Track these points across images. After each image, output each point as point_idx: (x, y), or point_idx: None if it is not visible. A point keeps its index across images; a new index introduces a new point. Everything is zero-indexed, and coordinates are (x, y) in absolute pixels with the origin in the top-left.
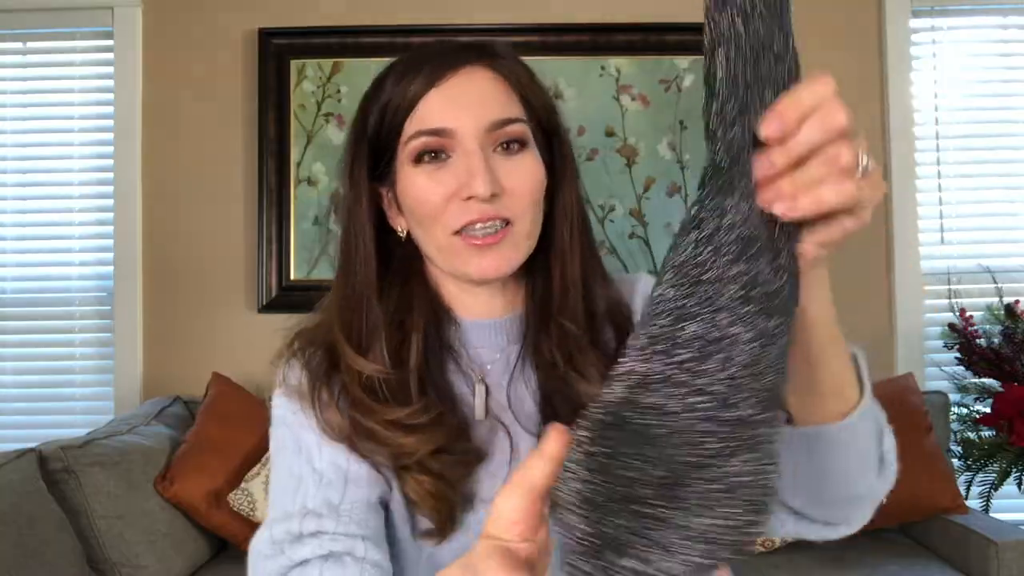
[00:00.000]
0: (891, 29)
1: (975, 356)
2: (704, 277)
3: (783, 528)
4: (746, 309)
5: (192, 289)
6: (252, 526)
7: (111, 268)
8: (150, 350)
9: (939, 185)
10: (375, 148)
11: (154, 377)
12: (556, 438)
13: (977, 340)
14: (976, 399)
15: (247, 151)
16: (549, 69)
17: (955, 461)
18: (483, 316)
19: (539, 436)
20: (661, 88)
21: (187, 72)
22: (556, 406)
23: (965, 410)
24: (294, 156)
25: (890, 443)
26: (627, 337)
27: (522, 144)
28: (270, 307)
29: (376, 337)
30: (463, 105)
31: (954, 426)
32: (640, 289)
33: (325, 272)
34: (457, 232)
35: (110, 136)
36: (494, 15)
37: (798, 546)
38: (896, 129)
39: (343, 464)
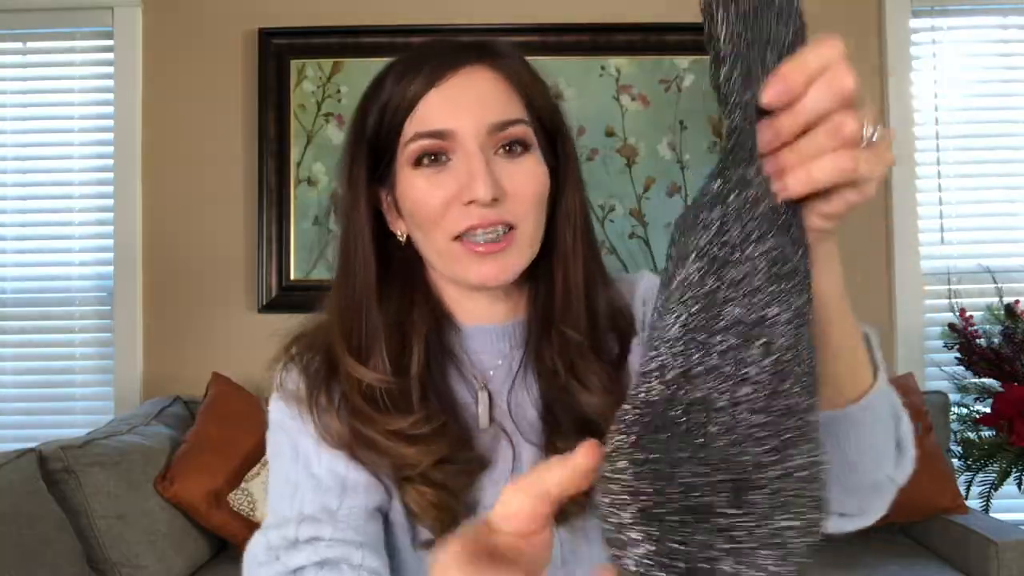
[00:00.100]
0: (891, 29)
1: (975, 356)
2: (733, 257)
3: None
4: (779, 287)
5: (192, 289)
6: (252, 526)
7: (111, 268)
8: (150, 350)
9: (939, 185)
10: (374, 149)
11: (154, 377)
12: (587, 452)
13: (977, 340)
14: (976, 399)
15: (247, 151)
16: (549, 69)
17: (955, 461)
18: (485, 321)
19: (540, 445)
20: (661, 88)
21: (187, 72)
22: (557, 415)
23: (965, 410)
24: (294, 156)
25: (907, 427)
26: (628, 341)
27: (524, 146)
28: (270, 307)
29: (376, 344)
30: (463, 106)
31: (954, 426)
32: (641, 289)
33: (325, 272)
34: (457, 237)
35: (110, 136)
36: (494, 15)
37: None
38: (896, 129)
39: (341, 471)
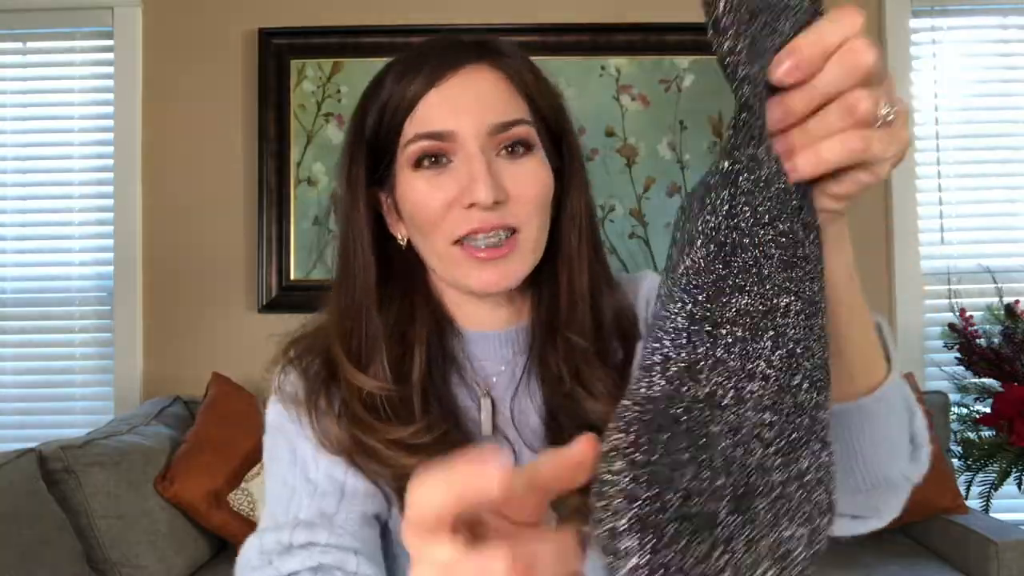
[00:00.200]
0: (891, 29)
1: (975, 356)
2: (744, 242)
3: None
4: (791, 274)
5: (192, 289)
6: (252, 526)
7: (111, 268)
8: (150, 350)
9: (939, 185)
10: (374, 149)
11: (154, 377)
12: (584, 447)
13: (977, 340)
14: (976, 399)
15: (247, 151)
16: (549, 69)
17: (955, 461)
18: (488, 327)
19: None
20: (661, 88)
21: (187, 72)
22: (562, 422)
23: (965, 410)
24: (294, 156)
25: (921, 423)
26: (633, 345)
27: (528, 147)
28: (270, 307)
29: (376, 350)
30: (464, 106)
31: (954, 426)
32: (644, 289)
33: (325, 272)
34: (458, 241)
35: (110, 136)
36: (494, 15)
37: None
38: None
39: (340, 476)
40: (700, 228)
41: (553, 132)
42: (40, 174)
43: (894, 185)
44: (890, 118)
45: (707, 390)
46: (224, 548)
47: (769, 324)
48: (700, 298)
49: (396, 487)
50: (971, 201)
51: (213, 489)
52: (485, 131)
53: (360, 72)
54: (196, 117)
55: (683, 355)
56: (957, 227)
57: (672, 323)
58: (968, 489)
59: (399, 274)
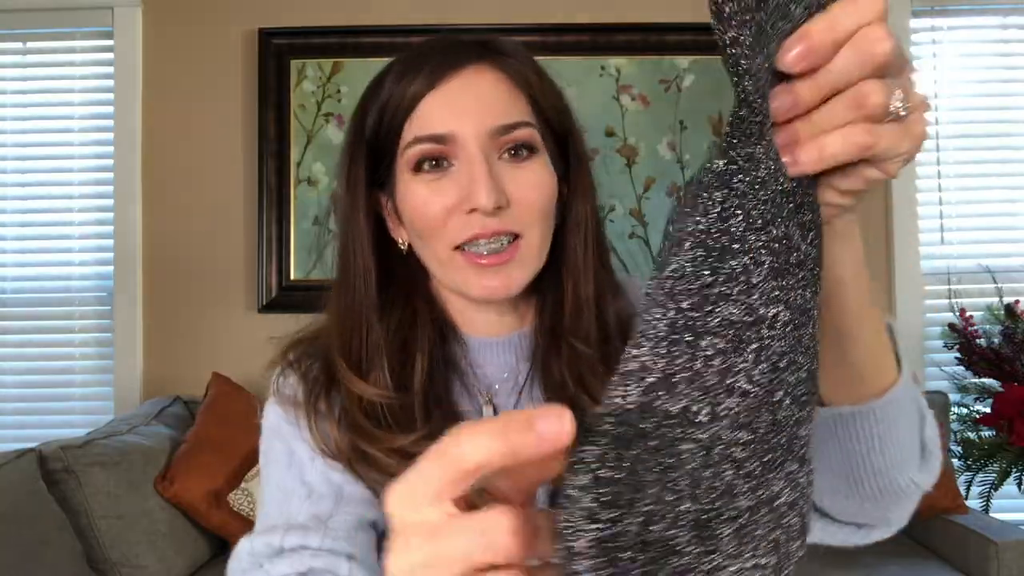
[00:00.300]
0: (891, 29)
1: (975, 356)
2: (734, 247)
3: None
4: (781, 283)
5: (192, 289)
6: (252, 526)
7: (111, 268)
8: (150, 350)
9: (939, 185)
10: (373, 150)
11: (154, 377)
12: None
13: (977, 340)
14: (976, 399)
15: (247, 151)
16: (549, 69)
17: (955, 461)
18: (491, 334)
19: None
20: (661, 88)
21: (187, 72)
22: None
23: (965, 410)
24: (294, 156)
25: (932, 430)
26: None
27: (531, 150)
28: (270, 307)
29: (377, 357)
30: (464, 108)
31: (954, 426)
32: (644, 291)
33: (325, 272)
34: (459, 247)
35: (110, 136)
36: (494, 15)
37: None
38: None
39: (337, 480)
40: (690, 229)
41: (558, 134)
42: (40, 174)
43: (894, 185)
44: (903, 112)
45: (682, 404)
46: (224, 548)
47: (753, 336)
48: (684, 305)
49: None
50: (971, 201)
51: (213, 489)
52: (486, 133)
53: (360, 72)
54: (196, 117)
55: (660, 365)
56: (957, 227)
57: (653, 329)
58: (968, 489)
59: (400, 278)
